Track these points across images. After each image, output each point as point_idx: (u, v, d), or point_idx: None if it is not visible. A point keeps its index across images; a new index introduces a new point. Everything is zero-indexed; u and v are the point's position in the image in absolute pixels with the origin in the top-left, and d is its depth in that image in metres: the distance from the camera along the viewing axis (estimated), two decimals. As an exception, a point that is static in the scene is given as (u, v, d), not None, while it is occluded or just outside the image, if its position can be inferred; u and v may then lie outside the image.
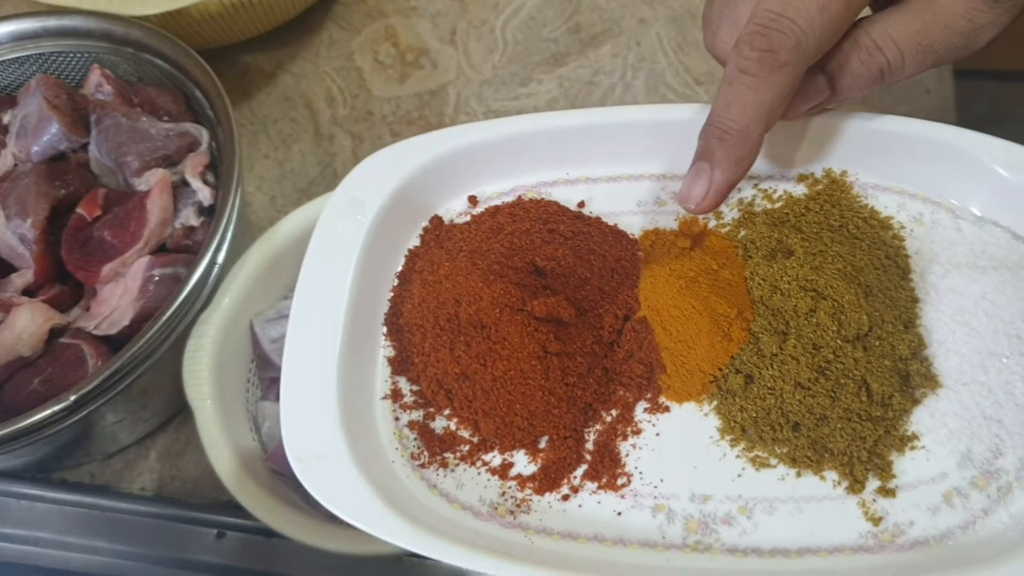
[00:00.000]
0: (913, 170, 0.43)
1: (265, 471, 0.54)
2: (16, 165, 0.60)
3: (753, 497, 0.39)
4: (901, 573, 0.36)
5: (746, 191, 0.44)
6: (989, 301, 0.40)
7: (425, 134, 0.46)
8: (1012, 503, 0.38)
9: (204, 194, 0.58)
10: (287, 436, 0.39)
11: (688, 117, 0.43)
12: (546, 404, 0.42)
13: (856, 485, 0.39)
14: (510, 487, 0.41)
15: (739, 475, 0.40)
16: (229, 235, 0.54)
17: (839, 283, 0.40)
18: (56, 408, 0.51)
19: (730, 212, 0.44)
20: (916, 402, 0.40)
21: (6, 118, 0.62)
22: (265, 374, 0.59)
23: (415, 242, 0.46)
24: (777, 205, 0.44)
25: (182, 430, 0.63)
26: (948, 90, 0.71)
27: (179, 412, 0.62)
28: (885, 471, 0.39)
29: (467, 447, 0.42)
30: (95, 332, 0.56)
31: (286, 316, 0.56)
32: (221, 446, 0.54)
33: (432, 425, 0.42)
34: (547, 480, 0.41)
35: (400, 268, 0.46)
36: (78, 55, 0.64)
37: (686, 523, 0.40)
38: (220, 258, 0.56)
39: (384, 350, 0.44)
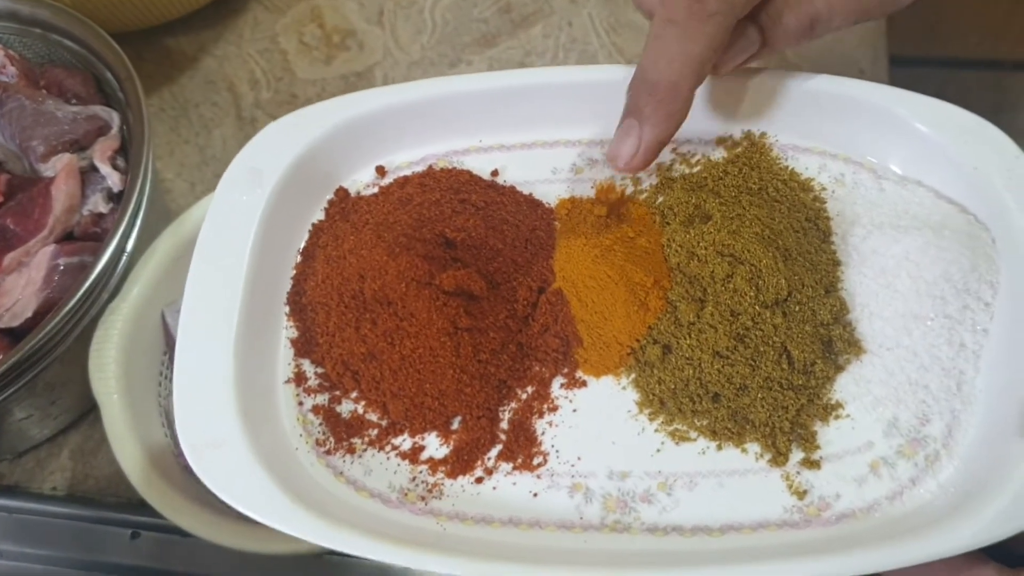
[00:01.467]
0: (834, 130, 0.42)
1: (178, 468, 0.53)
2: None
3: (673, 473, 0.38)
4: (828, 547, 0.36)
5: (664, 156, 0.42)
6: (912, 262, 0.39)
7: (330, 99, 0.44)
8: (940, 471, 0.37)
9: (113, 179, 0.55)
10: (180, 423, 0.37)
11: (606, 78, 0.42)
12: (457, 383, 0.40)
13: (779, 457, 0.38)
14: (421, 472, 0.39)
15: (658, 450, 0.39)
16: (138, 222, 0.52)
17: (756, 247, 0.38)
18: None
19: (648, 178, 0.43)
20: (839, 369, 0.39)
21: None
22: None
23: (319, 216, 0.45)
24: (695, 170, 0.43)
25: (96, 426, 0.61)
26: (883, 71, 0.71)
27: (93, 408, 0.59)
28: (809, 442, 0.38)
29: (375, 431, 0.40)
30: None
31: None
32: (129, 442, 0.52)
33: (338, 409, 0.41)
34: (460, 463, 0.40)
35: (303, 244, 0.44)
36: None
37: (604, 502, 0.38)
38: (129, 246, 0.52)
39: (287, 331, 0.42)
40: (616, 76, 0.41)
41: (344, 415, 0.40)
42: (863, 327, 0.39)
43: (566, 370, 0.40)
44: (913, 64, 0.78)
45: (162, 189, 0.57)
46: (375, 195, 0.45)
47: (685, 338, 0.39)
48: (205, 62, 0.73)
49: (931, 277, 0.39)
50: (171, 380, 0.48)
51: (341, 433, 0.40)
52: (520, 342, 0.40)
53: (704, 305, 0.38)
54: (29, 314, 0.54)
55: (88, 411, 0.61)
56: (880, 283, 0.39)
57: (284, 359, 0.42)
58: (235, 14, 0.74)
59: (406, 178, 0.45)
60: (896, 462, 0.37)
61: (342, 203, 0.45)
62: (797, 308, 0.38)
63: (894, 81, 0.62)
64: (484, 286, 0.40)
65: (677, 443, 0.39)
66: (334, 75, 0.72)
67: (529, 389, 0.40)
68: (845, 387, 0.38)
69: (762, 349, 0.38)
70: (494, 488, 0.39)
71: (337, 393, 0.41)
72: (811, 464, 0.38)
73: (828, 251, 0.40)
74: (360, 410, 0.40)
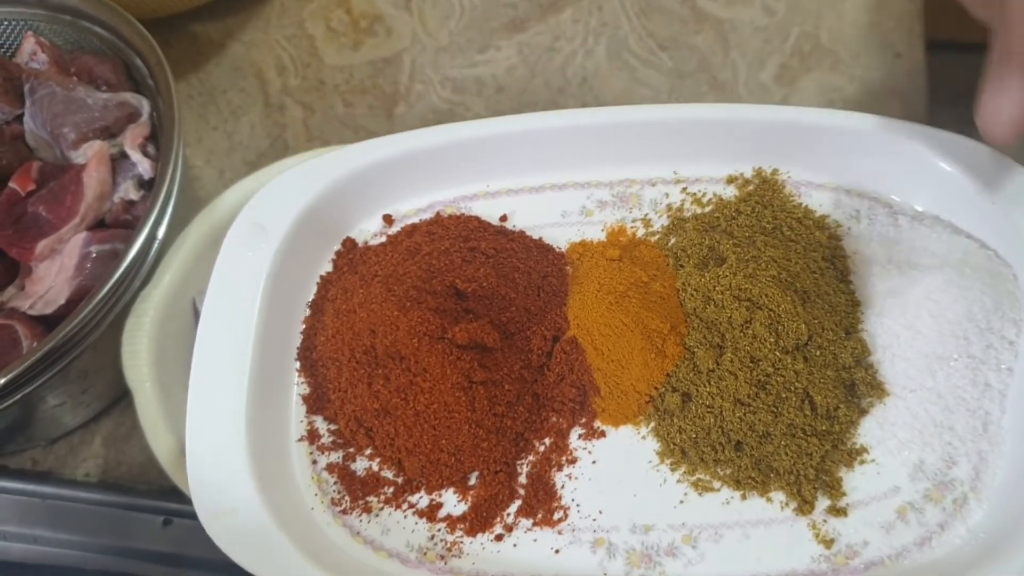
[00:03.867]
0: (847, 165, 0.41)
1: None
2: None
3: (697, 524, 0.37)
4: None
5: (674, 196, 0.43)
6: (933, 302, 0.38)
7: (333, 150, 0.44)
8: (969, 516, 0.36)
9: (144, 167, 0.54)
10: (195, 491, 0.36)
11: (612, 121, 0.43)
12: (474, 437, 0.40)
13: (805, 506, 0.37)
14: (439, 530, 0.39)
15: (681, 501, 0.38)
16: (169, 209, 0.51)
17: (774, 291, 0.38)
18: None
19: (659, 219, 0.43)
20: (863, 412, 0.38)
21: None
22: None
23: (327, 268, 0.44)
24: (707, 209, 0.43)
25: (128, 414, 0.60)
26: (920, 55, 0.70)
27: (124, 395, 0.59)
28: (835, 489, 0.37)
29: (391, 489, 0.40)
30: (30, 312, 0.53)
31: None
32: (162, 430, 0.52)
33: (353, 467, 0.40)
34: (479, 520, 0.39)
35: (312, 297, 0.44)
36: (12, 23, 0.60)
37: (628, 557, 0.38)
38: (160, 233, 0.52)
39: (298, 387, 0.42)
40: (619, 119, 0.41)
41: (359, 473, 0.40)
42: (885, 369, 0.38)
43: (584, 420, 0.40)
44: (949, 48, 0.76)
45: (191, 176, 0.56)
46: (383, 244, 0.45)
47: (705, 385, 0.38)
48: (232, 48, 0.73)
49: (953, 316, 0.38)
50: None
51: (357, 491, 0.40)
52: (536, 393, 0.40)
53: (723, 351, 0.38)
54: (62, 301, 0.52)
55: (119, 398, 0.60)
56: (901, 324, 0.38)
57: (296, 416, 0.42)
58: (262, 0, 0.73)
59: (414, 226, 0.45)
60: (924, 507, 0.36)
61: (350, 254, 0.45)
62: (818, 352, 0.37)
63: (931, 65, 0.65)
64: (497, 337, 0.40)
65: (700, 493, 0.38)
66: (362, 61, 0.71)
67: (547, 441, 0.40)
68: (869, 431, 0.38)
69: (784, 395, 0.37)
70: (514, 545, 0.38)
71: (351, 450, 0.41)
72: (837, 512, 0.37)
73: (847, 292, 0.40)
74: (375, 467, 0.40)
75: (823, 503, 0.36)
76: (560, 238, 0.43)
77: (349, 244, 0.44)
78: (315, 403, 0.40)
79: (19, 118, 0.56)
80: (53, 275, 0.51)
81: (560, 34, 0.69)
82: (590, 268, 0.41)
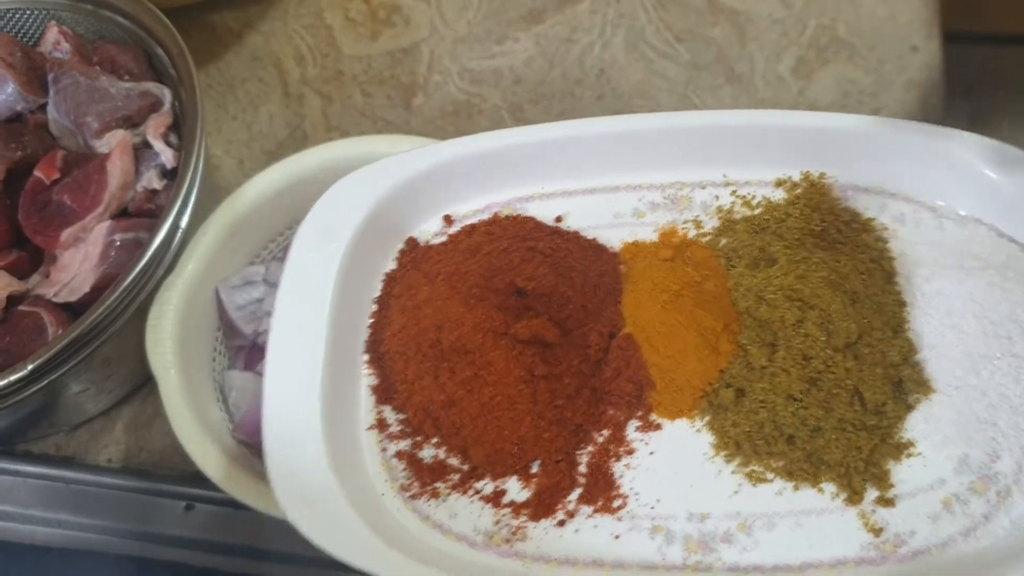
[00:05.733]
0: (893, 170, 0.43)
1: (232, 442, 0.53)
2: None
3: (752, 513, 0.39)
4: None
5: (724, 198, 0.44)
6: (977, 303, 0.40)
7: (395, 156, 0.47)
8: (1012, 508, 0.38)
9: (167, 156, 0.54)
10: (277, 483, 0.39)
11: (663, 126, 0.44)
12: (536, 428, 0.41)
13: (854, 496, 0.39)
14: (504, 515, 0.40)
15: (736, 491, 0.39)
16: (192, 198, 0.51)
17: (825, 292, 0.40)
18: (13, 378, 0.50)
19: (710, 220, 0.44)
20: (910, 408, 0.40)
21: None
22: (232, 342, 0.58)
23: (391, 265, 0.46)
24: (757, 211, 0.44)
25: (149, 400, 0.61)
26: (936, 47, 0.70)
27: (146, 382, 0.60)
28: (883, 480, 0.39)
29: (457, 476, 0.41)
30: (55, 299, 0.53)
31: (252, 282, 0.57)
32: (186, 416, 0.52)
33: (420, 454, 0.42)
34: (541, 506, 0.41)
35: (378, 294, 0.45)
36: (33, 12, 0.61)
37: (686, 543, 0.39)
38: (183, 222, 0.52)
39: (366, 379, 0.43)
40: (670, 125, 0.43)
41: (427, 460, 0.41)
42: (931, 367, 0.40)
43: (640, 413, 0.41)
44: (963, 40, 0.79)
45: (211, 166, 0.56)
46: (444, 244, 0.46)
47: (758, 381, 0.40)
48: (251, 38, 0.73)
49: (997, 318, 0.39)
50: (226, 356, 0.54)
51: (425, 478, 0.41)
52: (594, 387, 0.42)
53: (775, 349, 0.39)
54: (87, 289, 0.53)
55: (141, 385, 0.61)
56: (947, 324, 0.40)
57: (365, 406, 0.43)
58: None
59: (472, 226, 0.46)
60: (968, 499, 0.38)
61: (412, 252, 0.47)
62: (867, 351, 0.39)
63: (946, 56, 0.67)
64: (557, 334, 0.41)
65: (754, 484, 0.39)
66: (380, 51, 0.71)
67: (605, 432, 0.41)
68: (916, 426, 0.39)
69: (835, 392, 0.39)
70: (576, 531, 0.39)
71: (419, 439, 0.42)
72: (886, 502, 0.38)
73: (893, 292, 0.41)
74: (442, 455, 0.41)
75: (872, 494, 0.38)
76: (614, 239, 0.45)
77: (411, 243, 0.46)
78: (383, 394, 0.42)
79: (43, 107, 0.57)
80: (77, 263, 0.52)
81: (577, 25, 0.69)
82: (644, 268, 0.43)
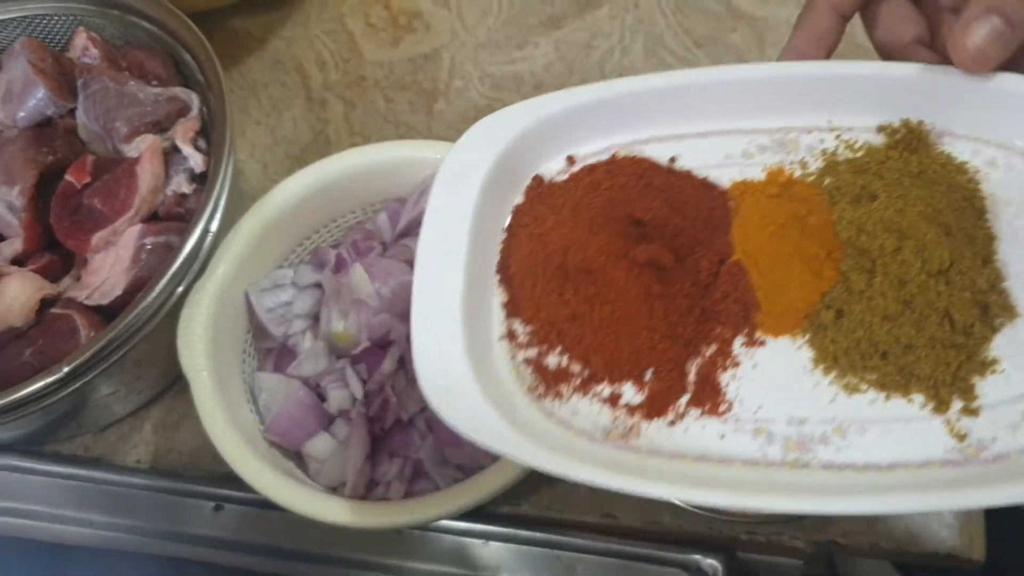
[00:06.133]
0: (986, 118, 0.51)
1: (263, 443, 0.60)
2: (1, 132, 0.57)
3: (846, 419, 0.47)
4: (986, 482, 0.43)
5: (828, 142, 0.54)
6: None
7: (523, 102, 0.54)
8: None
9: (196, 160, 0.56)
10: (421, 373, 0.48)
11: (775, 74, 0.53)
12: (650, 341, 0.49)
13: (941, 406, 0.46)
14: (620, 415, 0.49)
15: (832, 400, 0.47)
16: (222, 203, 0.52)
17: (921, 224, 0.50)
18: (49, 380, 0.53)
19: (815, 162, 0.53)
20: (995, 331, 0.48)
21: None
22: (261, 344, 0.75)
23: (519, 199, 0.55)
24: (859, 155, 0.53)
25: (178, 402, 0.63)
26: None
27: (174, 384, 0.62)
28: (968, 393, 0.47)
29: (579, 380, 0.50)
30: (87, 302, 0.56)
31: (281, 285, 0.62)
32: (218, 417, 0.56)
33: (546, 362, 0.50)
34: (654, 407, 0.48)
35: (508, 223, 0.54)
36: (62, 17, 0.64)
37: (785, 443, 0.46)
38: (213, 226, 0.56)
39: (498, 297, 0.53)
40: (783, 72, 0.52)
41: (551, 367, 0.50)
42: (1016, 294, 0.48)
43: (746, 331, 0.50)
44: None
45: (235, 170, 0.60)
46: (567, 181, 0.55)
47: (856, 303, 0.50)
48: (272, 43, 0.75)
49: None
50: (256, 358, 0.60)
51: (550, 381, 0.50)
52: (704, 307, 0.50)
53: (873, 275, 0.50)
54: (119, 292, 0.56)
55: (169, 387, 0.63)
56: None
57: (497, 320, 0.52)
58: None
59: (593, 166, 0.55)
60: None
61: (538, 188, 0.55)
62: (958, 277, 0.49)
63: None
64: (671, 258, 0.51)
65: (849, 395, 0.47)
66: (401, 57, 0.72)
67: (713, 347, 0.50)
68: (1000, 347, 0.48)
69: (927, 313, 0.49)
70: (685, 430, 0.48)
71: (544, 348, 0.51)
72: (970, 412, 0.46)
73: (984, 227, 0.50)
74: (565, 362, 0.50)
75: (957, 405, 0.46)
76: (723, 177, 0.54)
77: (537, 180, 0.55)
78: (513, 308, 0.51)
79: (72, 112, 0.59)
80: (108, 266, 0.53)
81: (597, 31, 0.73)
82: (752, 203, 0.52)
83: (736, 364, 0.49)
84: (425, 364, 0.49)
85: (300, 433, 0.59)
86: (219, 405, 0.56)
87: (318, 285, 0.64)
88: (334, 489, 0.59)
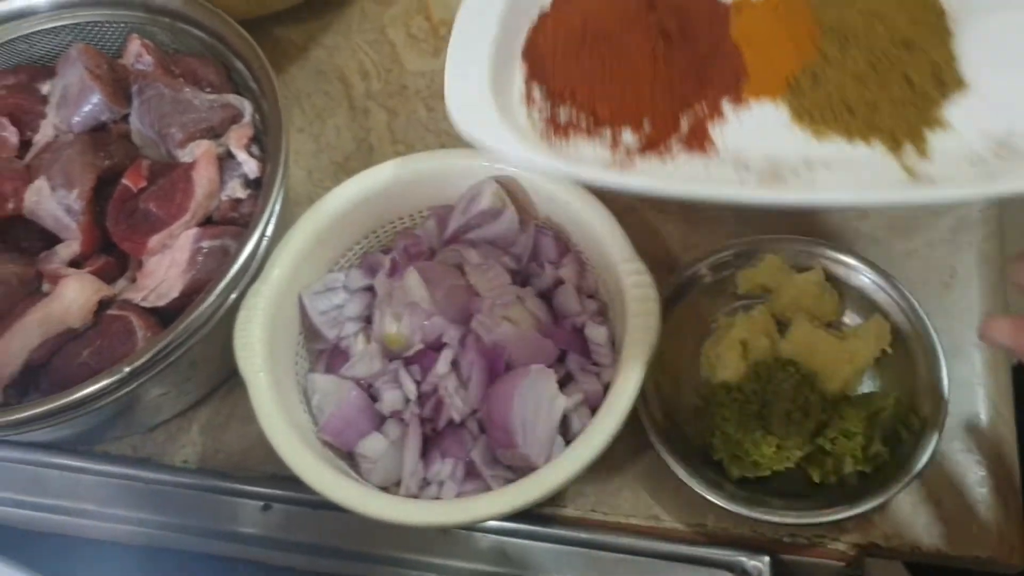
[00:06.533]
0: None
1: (317, 443, 0.61)
2: (57, 136, 0.59)
3: (815, 157, 0.56)
4: (947, 195, 0.57)
5: None
6: (1012, 32, 0.59)
7: None
8: (1017, 167, 0.53)
9: (250, 166, 0.57)
10: (454, 109, 0.54)
11: None
12: (651, 94, 0.58)
13: (898, 150, 0.56)
14: (619, 153, 0.57)
15: (805, 143, 0.57)
16: (278, 208, 0.53)
17: (892, 9, 0.59)
18: (109, 380, 0.55)
19: None
20: (946, 97, 0.58)
21: (45, 88, 0.63)
22: (313, 346, 0.69)
23: None
24: None
25: (225, 403, 0.65)
26: None
27: (221, 385, 0.63)
28: (920, 141, 0.56)
29: (585, 127, 0.57)
30: (143, 304, 0.57)
31: (333, 289, 0.65)
32: (276, 418, 0.57)
33: (558, 115, 0.59)
34: (649, 145, 0.57)
35: (535, 17, 0.63)
36: (115, 25, 0.65)
37: (760, 173, 0.55)
38: (269, 231, 0.53)
39: (521, 69, 0.60)
40: None
41: (561, 120, 0.58)
42: (967, 72, 0.57)
43: (734, 93, 0.59)
44: None
45: None
46: None
47: (831, 69, 0.59)
48: (315, 52, 0.77)
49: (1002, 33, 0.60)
50: (308, 360, 0.62)
51: (559, 127, 0.58)
52: (701, 74, 0.60)
53: (847, 46, 0.59)
54: (175, 294, 0.57)
55: (216, 389, 0.65)
56: (984, 43, 0.58)
57: (519, 82, 0.60)
58: (343, 5, 0.78)
59: None
60: (987, 158, 0.54)
61: None
62: (919, 51, 0.59)
63: None
64: (676, 29, 0.60)
65: (819, 141, 0.57)
66: (442, 67, 0.74)
67: (704, 104, 0.59)
68: (950, 112, 0.58)
69: (890, 76, 0.59)
70: (675, 164, 0.57)
71: (557, 103, 0.58)
72: (921, 153, 0.55)
73: (943, 24, 0.59)
74: (573, 116, 0.58)
75: (910, 149, 0.55)
76: None
77: None
78: (532, 74, 0.60)
79: (125, 117, 0.60)
80: (164, 269, 0.55)
81: None
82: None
83: (724, 119, 0.60)
84: (458, 106, 0.55)
85: (353, 433, 0.61)
86: (276, 406, 0.58)
87: (369, 289, 0.67)
88: (385, 489, 0.61)
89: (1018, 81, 0.59)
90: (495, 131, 0.57)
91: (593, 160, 0.59)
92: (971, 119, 0.59)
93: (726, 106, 0.60)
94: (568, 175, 0.56)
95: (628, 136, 0.59)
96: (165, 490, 0.64)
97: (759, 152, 0.58)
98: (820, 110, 0.59)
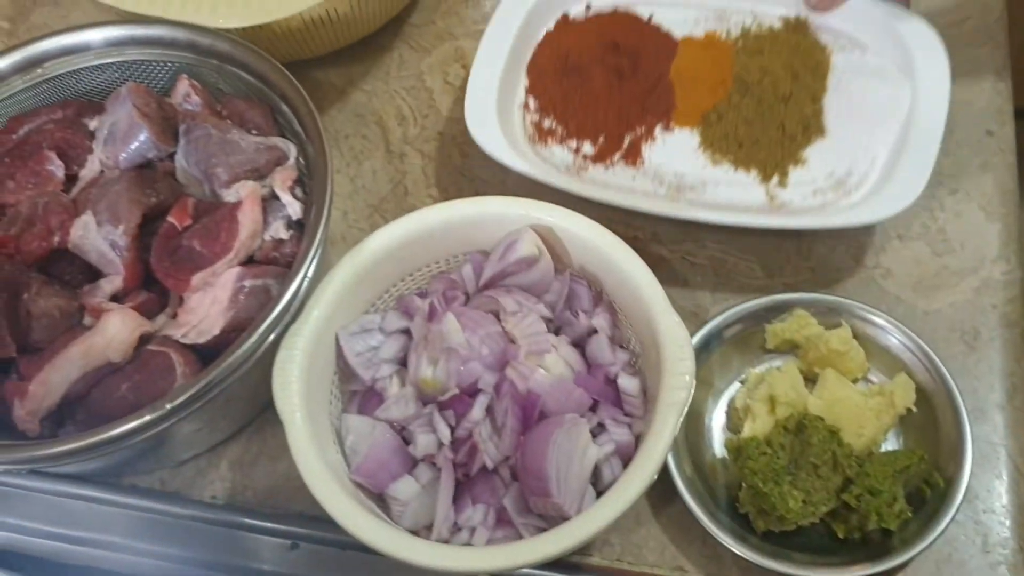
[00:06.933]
0: (844, 20, 0.84)
1: (349, 484, 0.61)
2: (102, 171, 0.60)
3: (709, 178, 0.81)
4: (784, 223, 0.79)
5: (748, 21, 0.85)
6: (860, 92, 0.83)
7: None
8: (848, 198, 0.77)
9: (294, 208, 0.59)
10: (470, 116, 0.76)
11: None
12: (606, 117, 0.82)
13: (767, 179, 0.80)
14: (578, 159, 0.82)
15: (704, 167, 0.83)
16: (320, 249, 0.54)
17: (780, 69, 0.82)
18: (151, 417, 0.54)
19: (736, 31, 0.85)
20: (809, 141, 0.82)
21: (92, 124, 0.63)
22: (347, 386, 0.70)
23: (551, 27, 0.87)
24: (763, 31, 0.85)
25: (254, 439, 0.66)
26: (1009, 133, 0.83)
27: (252, 422, 0.63)
28: (783, 174, 0.80)
29: (559, 136, 0.83)
30: (183, 340, 0.58)
31: (369, 330, 0.66)
32: (312, 459, 0.57)
33: (543, 123, 0.84)
34: (599, 157, 0.82)
35: (540, 39, 0.87)
36: (162, 64, 0.67)
37: (669, 187, 0.81)
38: (311, 272, 0.61)
39: (524, 82, 0.85)
40: None
41: (545, 127, 0.84)
42: (828, 123, 0.80)
43: (665, 121, 0.83)
44: None
45: None
46: (582, 20, 0.89)
47: (732, 111, 0.82)
48: (354, 96, 0.79)
49: (870, 101, 0.81)
50: (341, 400, 0.64)
51: (542, 134, 0.84)
52: (644, 102, 0.84)
53: (745, 95, 0.83)
54: (216, 332, 0.59)
55: (247, 424, 0.64)
56: (843, 100, 0.83)
57: (520, 93, 0.84)
58: (382, 51, 0.80)
59: (600, 13, 0.90)
60: (827, 191, 0.79)
61: (564, 22, 0.89)
62: (794, 104, 0.82)
63: (1019, 135, 0.84)
64: (630, 69, 0.85)
65: (714, 165, 0.82)
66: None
67: (643, 128, 0.83)
68: (809, 152, 0.81)
69: (771, 121, 0.82)
70: (614, 173, 0.82)
71: (544, 114, 0.84)
72: (782, 184, 0.80)
73: (821, 82, 0.82)
74: (553, 125, 0.83)
75: (775, 179, 0.79)
76: (677, 32, 0.88)
77: (564, 17, 0.90)
78: (530, 88, 0.84)
79: (170, 155, 0.60)
80: (206, 306, 0.56)
81: None
82: (689, 48, 0.85)
83: (654, 140, 0.84)
84: (473, 112, 0.77)
85: (386, 476, 0.62)
86: (311, 446, 0.58)
87: (404, 331, 0.68)
88: (415, 532, 0.61)
89: (858, 133, 0.82)
90: (492, 138, 0.75)
91: (560, 164, 0.81)
92: (823, 160, 0.82)
93: (658, 130, 0.83)
94: (536, 179, 0.72)
95: (587, 147, 0.82)
96: (192, 525, 0.63)
97: (672, 169, 0.82)
98: (719, 141, 0.82)
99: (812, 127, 0.80)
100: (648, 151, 0.80)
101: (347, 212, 0.79)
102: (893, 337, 0.70)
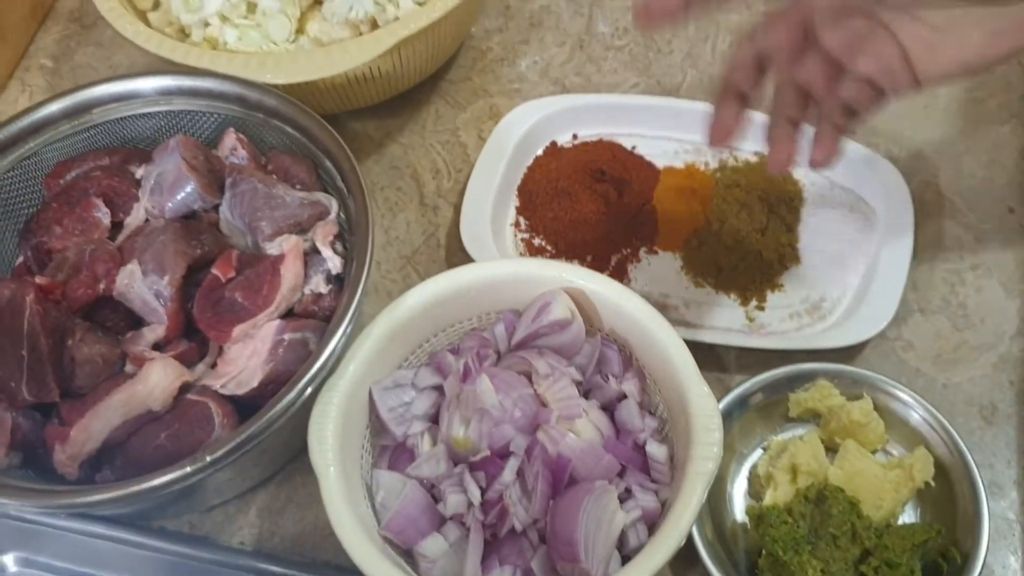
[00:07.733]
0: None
1: (379, 538, 0.61)
2: (147, 220, 0.61)
3: (691, 299, 0.86)
4: (758, 339, 0.81)
5: (725, 155, 0.90)
6: (834, 225, 0.88)
7: (541, 99, 0.88)
8: (824, 322, 0.81)
9: (334, 263, 0.60)
10: (465, 232, 0.79)
11: (700, 110, 0.83)
12: (594, 239, 0.85)
13: (745, 302, 0.85)
14: None
15: (686, 288, 0.87)
16: (361, 305, 0.54)
17: (757, 202, 0.86)
18: (190, 468, 0.55)
19: (714, 163, 0.91)
20: (785, 268, 0.87)
21: (139, 172, 0.64)
22: (379, 441, 0.70)
23: (540, 153, 0.90)
24: (740, 164, 0.91)
25: (283, 487, 0.72)
26: None
27: (281, 469, 0.63)
28: (761, 298, 0.85)
29: (549, 255, 0.86)
30: (222, 391, 0.59)
31: (402, 386, 0.66)
32: (344, 514, 0.57)
33: (533, 242, 0.87)
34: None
35: (531, 161, 0.90)
36: (209, 115, 0.66)
37: (655, 304, 0.70)
38: (350, 327, 0.61)
39: (515, 201, 0.89)
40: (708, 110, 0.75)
41: (535, 245, 0.87)
42: (802, 251, 0.84)
43: (648, 245, 0.88)
44: None
45: None
46: (570, 148, 0.93)
47: (711, 239, 0.87)
48: (390, 148, 0.80)
49: (842, 233, 0.86)
50: (372, 455, 0.65)
51: (534, 251, 0.86)
52: (628, 226, 0.88)
53: (724, 224, 0.87)
54: (255, 383, 0.61)
55: (276, 472, 0.64)
56: (816, 231, 0.87)
57: (512, 214, 0.88)
58: (419, 105, 0.82)
59: (587, 142, 0.94)
60: (802, 314, 0.83)
61: (553, 149, 0.93)
62: (770, 234, 0.85)
63: None
64: (616, 195, 0.89)
65: (696, 288, 0.87)
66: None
67: (628, 250, 0.87)
68: (786, 278, 0.86)
69: (748, 250, 0.86)
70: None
71: (534, 234, 0.87)
72: (760, 308, 0.84)
73: (794, 213, 0.88)
74: (543, 244, 0.86)
75: (753, 303, 0.84)
76: (659, 162, 0.93)
77: (553, 144, 0.93)
78: (521, 209, 0.88)
79: (215, 207, 0.60)
80: (246, 358, 0.57)
81: None
82: (670, 178, 0.90)
83: (638, 261, 0.88)
84: (469, 229, 0.81)
85: (415, 532, 0.62)
86: (344, 500, 0.58)
87: (436, 388, 0.68)
88: None
89: (830, 262, 0.85)
90: (486, 252, 0.78)
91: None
92: (799, 285, 0.87)
93: (642, 252, 0.89)
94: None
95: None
96: (220, 571, 0.63)
97: (657, 289, 0.87)
98: (700, 265, 0.87)
99: (787, 256, 0.84)
100: (634, 271, 0.85)
101: (380, 263, 0.79)
102: (914, 411, 0.70)
